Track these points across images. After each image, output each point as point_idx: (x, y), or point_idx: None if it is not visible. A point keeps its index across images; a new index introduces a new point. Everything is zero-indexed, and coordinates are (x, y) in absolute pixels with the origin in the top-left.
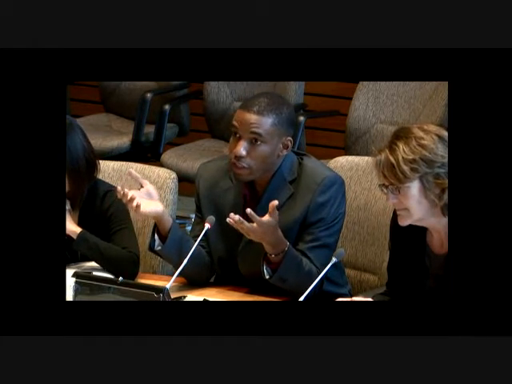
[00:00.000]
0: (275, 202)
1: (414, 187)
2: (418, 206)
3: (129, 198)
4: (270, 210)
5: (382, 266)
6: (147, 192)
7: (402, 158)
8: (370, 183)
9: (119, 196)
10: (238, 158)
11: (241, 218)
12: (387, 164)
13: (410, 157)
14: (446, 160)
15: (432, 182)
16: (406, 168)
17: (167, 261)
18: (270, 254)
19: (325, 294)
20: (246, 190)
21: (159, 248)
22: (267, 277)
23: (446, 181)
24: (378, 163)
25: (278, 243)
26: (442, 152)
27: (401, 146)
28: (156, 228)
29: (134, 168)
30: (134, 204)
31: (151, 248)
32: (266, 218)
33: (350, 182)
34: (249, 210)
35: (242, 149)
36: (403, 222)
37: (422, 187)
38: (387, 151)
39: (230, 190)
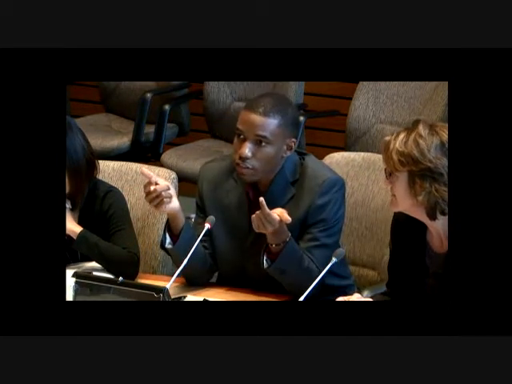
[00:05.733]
0: (288, 219)
1: (402, 179)
2: (402, 198)
3: (157, 193)
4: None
5: (381, 261)
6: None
7: (396, 147)
8: (367, 179)
9: (147, 190)
10: (243, 159)
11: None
12: (385, 147)
13: (401, 149)
14: (436, 167)
15: (417, 181)
16: (395, 158)
17: (175, 259)
18: (271, 244)
19: (329, 288)
20: (249, 190)
21: (170, 246)
22: (265, 266)
23: (431, 187)
24: (383, 143)
25: (280, 233)
26: (433, 157)
27: (402, 135)
28: (168, 226)
29: (134, 168)
30: (160, 200)
31: (162, 245)
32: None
33: (346, 177)
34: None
35: (247, 150)
36: (391, 208)
37: (409, 182)
38: (393, 136)
39: (234, 190)
